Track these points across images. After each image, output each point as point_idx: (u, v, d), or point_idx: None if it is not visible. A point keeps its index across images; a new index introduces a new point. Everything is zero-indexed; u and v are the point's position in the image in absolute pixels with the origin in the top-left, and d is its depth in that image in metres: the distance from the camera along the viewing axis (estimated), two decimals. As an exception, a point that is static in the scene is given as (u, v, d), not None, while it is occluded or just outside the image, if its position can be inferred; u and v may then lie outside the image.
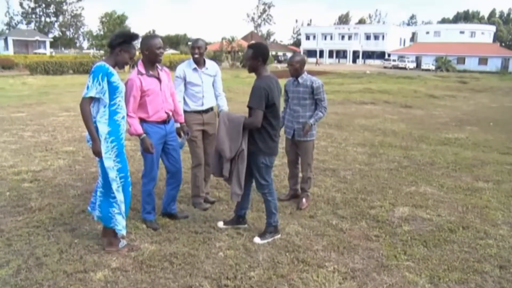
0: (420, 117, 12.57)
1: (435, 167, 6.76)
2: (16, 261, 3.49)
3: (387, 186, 5.69)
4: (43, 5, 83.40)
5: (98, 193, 3.66)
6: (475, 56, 58.79)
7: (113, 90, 3.49)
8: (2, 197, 4.97)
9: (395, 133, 9.62)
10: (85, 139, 3.73)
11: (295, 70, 4.78)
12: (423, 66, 55.45)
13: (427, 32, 77.17)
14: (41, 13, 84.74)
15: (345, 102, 15.61)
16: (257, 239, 3.96)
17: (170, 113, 4.18)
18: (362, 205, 4.97)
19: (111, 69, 3.49)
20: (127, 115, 3.79)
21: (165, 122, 4.12)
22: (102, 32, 37.25)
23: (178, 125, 4.42)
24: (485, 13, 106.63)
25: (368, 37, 73.91)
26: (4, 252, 3.65)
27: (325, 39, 77.25)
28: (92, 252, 3.66)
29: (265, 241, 3.95)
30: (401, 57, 60.79)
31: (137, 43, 3.93)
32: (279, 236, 4.06)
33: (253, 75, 3.98)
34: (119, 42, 3.53)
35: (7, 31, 73.89)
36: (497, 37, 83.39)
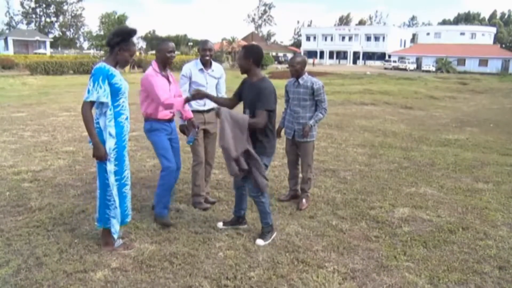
0: (420, 118, 12.57)
1: (435, 168, 6.76)
2: (16, 260, 3.49)
3: (387, 187, 5.70)
4: (44, 5, 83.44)
5: (97, 195, 3.64)
6: (475, 58, 58.80)
7: (115, 91, 3.44)
8: (2, 197, 4.97)
9: (395, 134, 9.62)
10: (86, 139, 3.72)
11: (296, 71, 4.79)
12: (424, 67, 55.45)
13: (428, 34, 77.26)
14: (41, 13, 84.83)
15: (345, 103, 15.61)
16: (260, 241, 3.94)
17: (172, 115, 4.38)
18: (362, 206, 4.97)
19: (111, 70, 3.42)
20: (166, 101, 3.95)
21: (170, 120, 4.35)
22: (102, 33, 37.28)
23: (185, 122, 4.58)
24: (486, 14, 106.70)
25: (368, 38, 73.92)
26: (4, 251, 3.65)
27: (326, 40, 77.24)
28: (92, 252, 3.66)
29: (268, 241, 3.95)
30: (401, 58, 60.84)
31: (138, 40, 3.96)
32: (275, 234, 4.07)
33: None
34: (117, 41, 3.45)
35: (7, 31, 73.94)
36: (497, 39, 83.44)
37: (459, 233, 4.25)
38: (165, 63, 4.23)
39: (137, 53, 38.93)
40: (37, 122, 10.00)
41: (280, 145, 7.31)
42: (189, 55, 44.99)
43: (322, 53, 75.02)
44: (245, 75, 3.95)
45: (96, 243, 3.80)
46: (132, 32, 3.54)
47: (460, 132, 10.15)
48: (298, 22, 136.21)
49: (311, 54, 71.71)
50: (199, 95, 4.00)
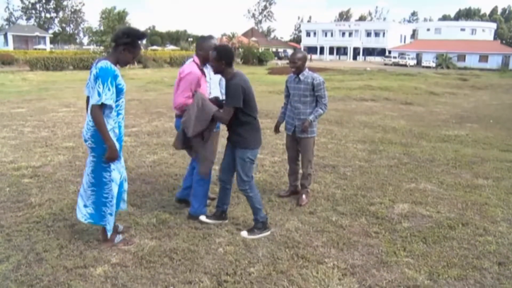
0: (420, 114, 12.56)
1: (435, 164, 6.76)
2: (16, 256, 3.50)
3: (387, 183, 5.70)
4: (43, 1, 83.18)
5: (90, 192, 3.60)
6: (475, 53, 58.72)
7: (118, 92, 3.45)
8: (2, 193, 4.97)
9: (395, 130, 9.61)
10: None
11: (297, 66, 4.77)
12: (424, 63, 55.37)
13: (428, 29, 77.08)
14: (41, 9, 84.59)
15: (345, 99, 15.59)
16: (244, 233, 4.00)
17: None
18: (362, 202, 4.97)
19: (116, 70, 3.41)
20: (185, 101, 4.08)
21: None
22: (102, 28, 37.14)
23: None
24: (487, 10, 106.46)
25: (368, 34, 73.79)
26: (4, 247, 3.65)
27: (326, 35, 77.13)
28: (92, 248, 3.67)
29: (253, 236, 3.95)
30: (401, 54, 60.72)
31: (141, 43, 3.97)
32: (268, 233, 4.04)
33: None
34: (125, 41, 3.40)
35: (6, 27, 73.77)
36: (498, 35, 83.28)
37: (458, 229, 4.26)
38: (206, 60, 4.27)
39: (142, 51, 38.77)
40: (37, 118, 9.98)
41: (280, 140, 7.31)
42: (189, 51, 44.83)
43: (322, 49, 74.89)
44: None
45: (96, 239, 3.80)
46: (142, 36, 3.56)
47: (460, 128, 10.15)
48: (298, 17, 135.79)
49: (311, 50, 71.56)
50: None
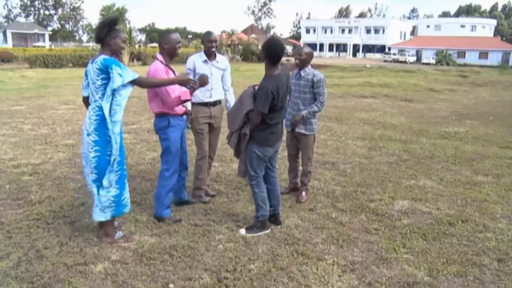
0: (420, 110, 12.55)
1: (435, 160, 6.76)
2: (17, 253, 3.50)
3: (386, 180, 5.70)
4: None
5: (94, 188, 3.61)
6: (475, 50, 58.60)
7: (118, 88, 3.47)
8: (2, 190, 4.97)
9: (395, 127, 9.61)
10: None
11: (302, 61, 4.78)
12: (424, 60, 55.27)
13: (428, 26, 76.84)
14: (40, 6, 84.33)
15: (345, 96, 15.58)
16: (242, 231, 3.99)
17: (185, 108, 4.30)
18: (361, 198, 4.98)
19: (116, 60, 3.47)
20: (173, 97, 3.94)
21: (184, 114, 4.26)
22: (101, 25, 37.07)
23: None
24: (487, 6, 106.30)
25: (368, 31, 73.63)
26: (4, 244, 3.66)
27: (325, 32, 76.93)
28: (92, 245, 3.67)
29: (250, 234, 3.94)
30: (401, 51, 60.57)
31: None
32: (267, 231, 4.03)
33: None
34: (105, 32, 3.48)
35: (5, 24, 73.57)
36: (498, 31, 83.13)
37: (458, 226, 4.27)
38: (173, 55, 4.13)
39: (136, 46, 38.76)
40: (36, 115, 9.98)
41: (280, 138, 7.30)
42: (189, 48, 44.75)
43: (321, 45, 74.68)
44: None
45: (96, 236, 3.81)
46: (115, 20, 3.61)
47: (459, 125, 10.14)
48: (297, 14, 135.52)
49: (311, 46, 70.09)
50: (202, 79, 3.94)
